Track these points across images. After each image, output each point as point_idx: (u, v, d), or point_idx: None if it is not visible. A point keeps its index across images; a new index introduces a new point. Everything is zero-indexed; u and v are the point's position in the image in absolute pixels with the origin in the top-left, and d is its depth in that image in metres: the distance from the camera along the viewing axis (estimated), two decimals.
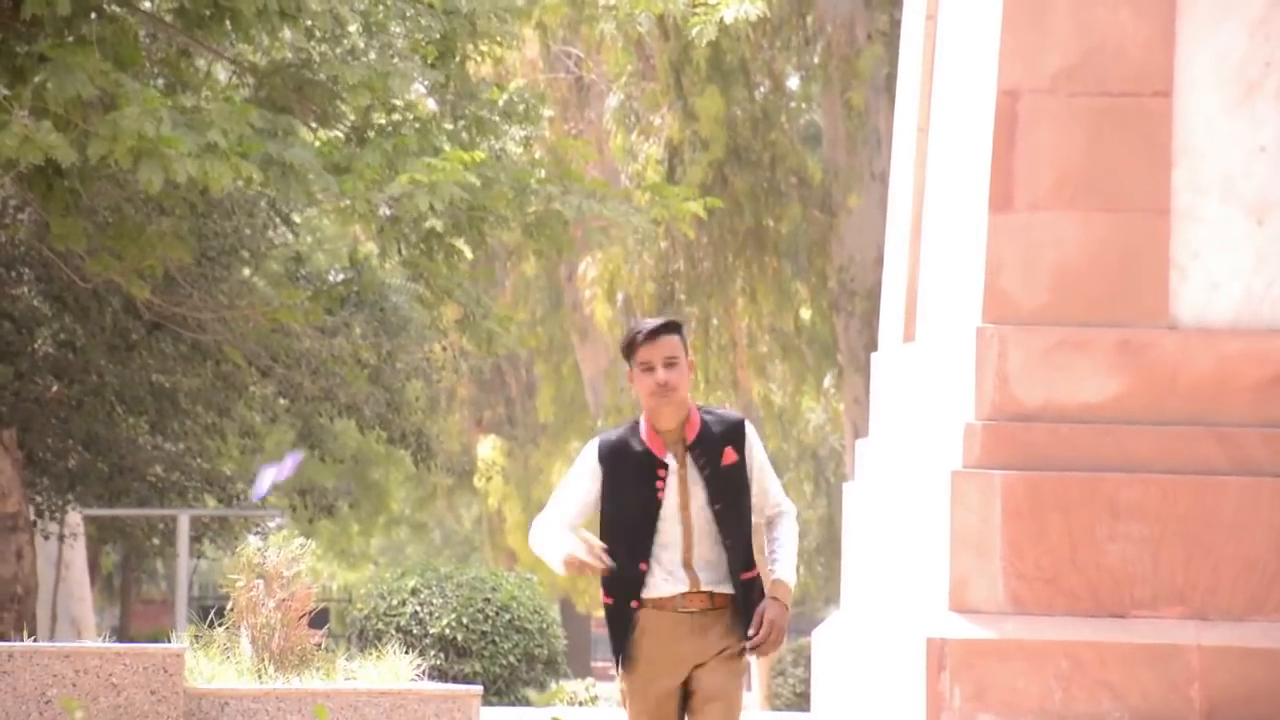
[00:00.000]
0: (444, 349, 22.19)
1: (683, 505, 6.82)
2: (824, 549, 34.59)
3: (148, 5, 14.63)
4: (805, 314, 26.05)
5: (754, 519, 7.01)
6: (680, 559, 6.84)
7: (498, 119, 15.57)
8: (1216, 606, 8.35)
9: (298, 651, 11.00)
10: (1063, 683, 8.23)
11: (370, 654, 11.40)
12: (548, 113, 17.83)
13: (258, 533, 26.73)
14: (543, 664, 16.33)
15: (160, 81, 15.07)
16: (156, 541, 27.57)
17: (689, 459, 6.82)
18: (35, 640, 13.44)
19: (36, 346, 21.83)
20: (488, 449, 37.12)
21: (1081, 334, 8.62)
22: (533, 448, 36.71)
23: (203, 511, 25.75)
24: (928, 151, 9.85)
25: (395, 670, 10.85)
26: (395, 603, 16.19)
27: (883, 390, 9.95)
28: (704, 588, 6.85)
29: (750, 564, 6.99)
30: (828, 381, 28.42)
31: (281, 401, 23.14)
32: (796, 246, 24.85)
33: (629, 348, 6.85)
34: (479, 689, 10.38)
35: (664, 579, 6.83)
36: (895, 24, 22.58)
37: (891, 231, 10.18)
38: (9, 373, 21.45)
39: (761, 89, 24.53)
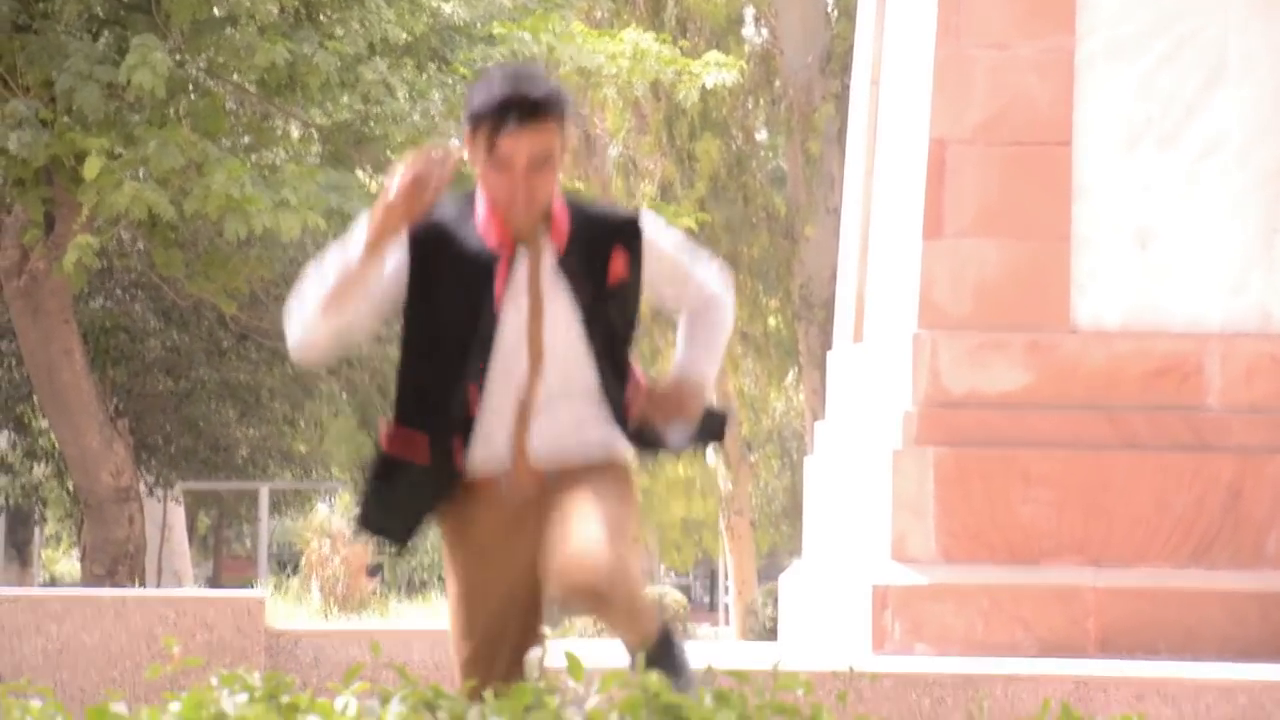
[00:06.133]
0: None
1: (532, 326, 3.80)
2: (789, 512, 34.51)
3: (236, 78, 14.65)
4: (772, 322, 26.03)
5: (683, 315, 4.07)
6: (512, 405, 3.81)
7: None
8: (1109, 556, 8.34)
9: (357, 597, 10.99)
10: (984, 618, 8.21)
11: (416, 599, 11.38)
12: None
13: (325, 501, 26.77)
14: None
15: (246, 139, 15.10)
16: (243, 509, 27.57)
17: (558, 272, 3.80)
18: (145, 588, 13.43)
19: (147, 353, 21.82)
20: None
21: (998, 337, 8.60)
22: None
23: (279, 484, 25.78)
24: (872, 190, 9.83)
25: (436, 612, 10.82)
26: (436, 557, 16.16)
27: (836, 383, 9.93)
28: (537, 462, 3.84)
29: (631, 390, 3.94)
30: (790, 376, 28.38)
31: (343, 397, 23.14)
32: (765, 267, 24.83)
33: (477, 120, 3.74)
34: None
35: (482, 444, 3.82)
36: (845, 88, 22.54)
37: (843, 254, 10.16)
38: (124, 373, 21.48)
39: (737, 140, 24.54)
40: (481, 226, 3.81)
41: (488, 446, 3.86)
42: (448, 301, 3.80)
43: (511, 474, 3.86)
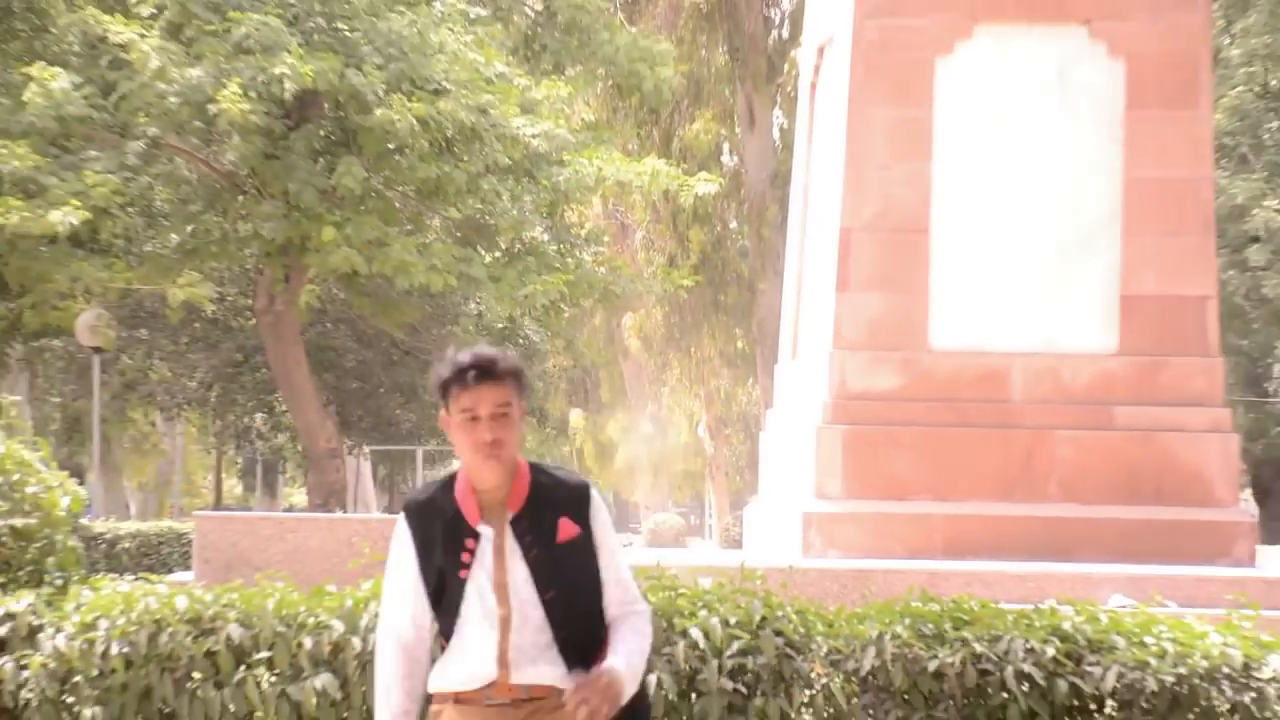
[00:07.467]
0: (554, 366, 22.29)
1: (499, 584, 3.01)
2: (750, 467, 34.46)
3: (401, 188, 14.78)
4: (740, 344, 26.04)
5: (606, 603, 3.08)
6: (494, 648, 3.01)
7: (581, 241, 15.80)
8: (951, 494, 8.35)
9: None
10: (871, 535, 8.23)
11: None
12: (606, 239, 18.02)
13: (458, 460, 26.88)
14: None
15: (409, 226, 15.26)
16: (407, 464, 27.60)
17: (510, 532, 3.03)
18: (346, 514, 13.52)
19: (346, 364, 21.89)
20: (575, 416, 37.02)
21: (882, 355, 8.62)
22: (598, 415, 36.61)
23: (430, 448, 25.82)
24: (805, 259, 9.86)
25: None
26: None
27: (781, 384, 9.96)
28: (516, 680, 3.01)
29: (601, 647, 3.05)
30: (751, 381, 28.38)
31: None
32: (736, 310, 24.86)
33: (446, 387, 3.01)
34: None
35: (471, 667, 3.03)
36: (786, 195, 22.57)
37: (785, 301, 10.19)
38: (331, 378, 21.52)
39: (717, 228, 24.59)
40: (459, 501, 3.03)
41: (465, 677, 3.05)
42: (436, 568, 3.04)
43: (495, 686, 3.04)
